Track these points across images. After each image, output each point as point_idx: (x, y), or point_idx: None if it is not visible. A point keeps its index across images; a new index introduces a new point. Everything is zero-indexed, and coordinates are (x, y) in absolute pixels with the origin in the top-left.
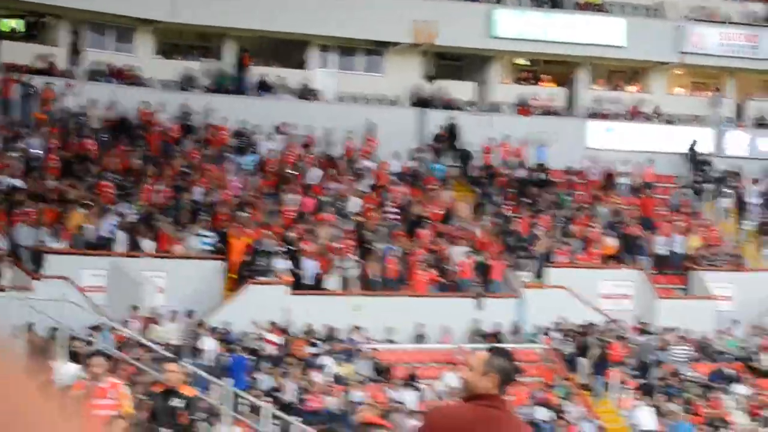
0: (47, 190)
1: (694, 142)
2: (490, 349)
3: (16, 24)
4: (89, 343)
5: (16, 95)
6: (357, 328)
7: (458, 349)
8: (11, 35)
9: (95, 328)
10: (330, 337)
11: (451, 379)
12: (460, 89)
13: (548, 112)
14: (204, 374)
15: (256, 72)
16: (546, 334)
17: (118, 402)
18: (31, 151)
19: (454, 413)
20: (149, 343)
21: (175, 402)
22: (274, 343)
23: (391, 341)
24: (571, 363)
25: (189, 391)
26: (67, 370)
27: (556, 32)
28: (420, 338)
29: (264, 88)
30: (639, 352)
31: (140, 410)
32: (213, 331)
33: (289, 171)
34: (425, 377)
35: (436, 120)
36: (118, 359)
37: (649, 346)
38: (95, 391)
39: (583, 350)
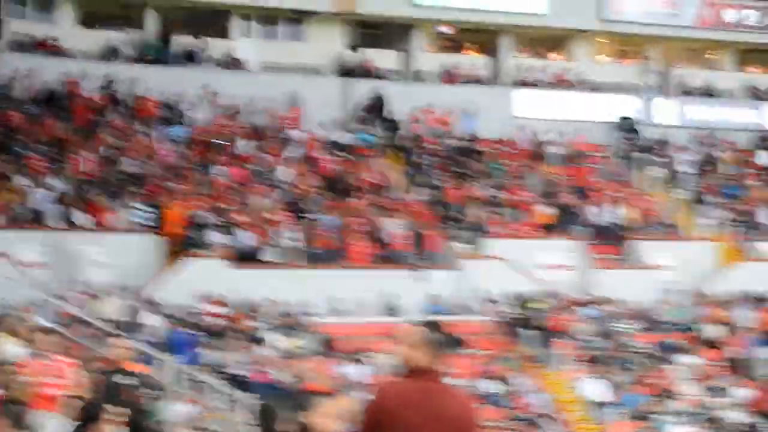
0: None
1: (627, 114)
2: (420, 323)
3: None
4: (23, 320)
5: None
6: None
7: (400, 324)
8: None
9: (34, 303)
10: (273, 310)
11: (396, 352)
12: (384, 58)
13: (473, 80)
14: (148, 350)
15: (180, 42)
16: (488, 304)
17: (67, 381)
18: None
19: (400, 390)
20: (92, 320)
21: (123, 379)
22: (218, 315)
23: (334, 314)
24: (514, 335)
25: (136, 367)
26: (10, 348)
27: (478, 0)
28: (361, 311)
29: (188, 57)
30: (588, 323)
31: (87, 388)
32: (154, 305)
33: (218, 141)
34: (369, 350)
35: (361, 89)
36: (62, 336)
37: (598, 317)
38: (42, 370)
39: (525, 322)
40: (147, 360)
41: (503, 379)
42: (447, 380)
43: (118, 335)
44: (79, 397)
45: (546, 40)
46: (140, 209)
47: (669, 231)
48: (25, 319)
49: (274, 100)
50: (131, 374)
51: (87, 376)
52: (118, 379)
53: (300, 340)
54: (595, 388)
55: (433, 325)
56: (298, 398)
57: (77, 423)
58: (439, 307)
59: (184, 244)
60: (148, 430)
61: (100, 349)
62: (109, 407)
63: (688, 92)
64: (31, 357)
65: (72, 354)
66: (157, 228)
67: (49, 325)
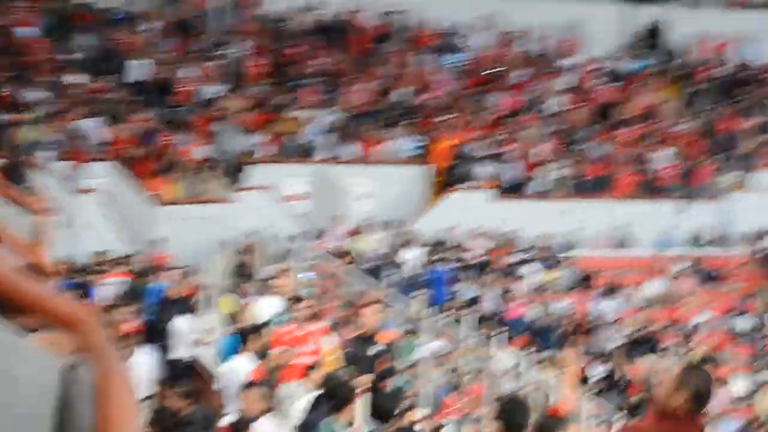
0: (251, 96)
1: None
2: (687, 365)
3: None
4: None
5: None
6: (553, 234)
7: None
8: None
9: (294, 238)
10: (533, 243)
11: (653, 287)
12: None
13: (760, 5)
14: (401, 291)
15: None
16: (749, 238)
17: (319, 350)
18: (234, 56)
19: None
20: (346, 273)
21: (374, 349)
22: (479, 250)
23: (592, 247)
24: None
25: (387, 337)
26: (268, 304)
27: None
28: (621, 243)
29: None
30: None
31: (339, 359)
32: (415, 239)
33: (493, 70)
34: (627, 285)
35: (642, 16)
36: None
37: None
38: (297, 338)
39: None
40: (402, 295)
41: (758, 315)
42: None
43: (371, 301)
44: (330, 371)
45: None
46: (410, 140)
47: None
48: (284, 271)
49: (552, 26)
50: (382, 345)
51: (339, 345)
52: (367, 348)
53: (557, 274)
54: None
55: (699, 370)
56: (548, 422)
57: (326, 396)
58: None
59: (450, 176)
60: (389, 399)
61: (357, 292)
62: (358, 379)
63: None
64: (286, 321)
65: (324, 310)
66: (424, 159)
67: (305, 290)
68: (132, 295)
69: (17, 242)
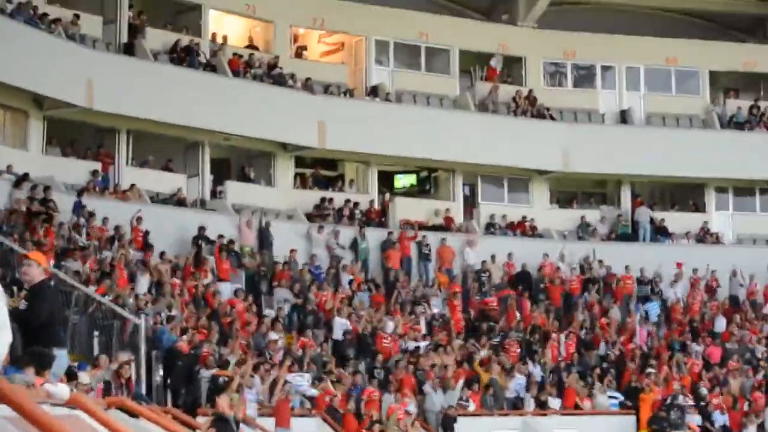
0: (454, 350)
1: None
2: None
3: (409, 180)
4: None
5: (413, 253)
6: None
7: None
8: (405, 192)
9: None
10: None
11: None
12: None
13: None
14: None
15: (651, 216)
16: None
17: None
18: (434, 311)
19: None
20: None
21: None
22: None
23: None
24: None
25: None
26: None
27: None
28: None
29: (661, 232)
30: None
31: None
32: None
33: (694, 319)
34: None
35: None
36: None
37: None
38: None
39: None
40: None
41: None
42: None
43: None
44: None
45: None
46: (614, 392)
47: None
48: None
49: (752, 273)
50: None
51: None
52: None
53: None
54: None
55: None
56: None
57: None
58: None
59: (656, 427)
60: None
61: None
62: None
63: None
64: None
65: None
66: (631, 410)
67: None
68: None
69: None
